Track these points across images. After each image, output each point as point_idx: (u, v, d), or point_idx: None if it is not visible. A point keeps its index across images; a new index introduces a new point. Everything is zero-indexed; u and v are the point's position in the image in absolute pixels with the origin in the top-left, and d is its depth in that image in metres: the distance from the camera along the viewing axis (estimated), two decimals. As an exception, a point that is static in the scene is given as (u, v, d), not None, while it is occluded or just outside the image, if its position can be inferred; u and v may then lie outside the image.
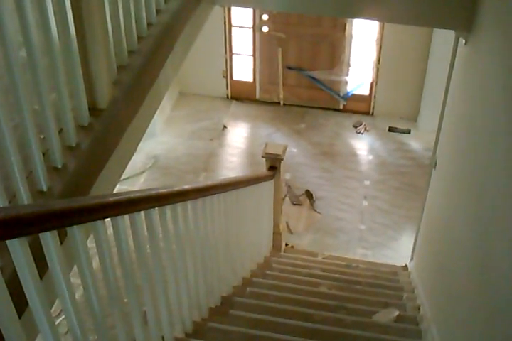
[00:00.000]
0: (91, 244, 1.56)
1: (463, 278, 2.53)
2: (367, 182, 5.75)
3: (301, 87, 6.73)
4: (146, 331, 2.03)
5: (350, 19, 6.06)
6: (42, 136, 1.58)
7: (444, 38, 4.80)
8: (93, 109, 1.82)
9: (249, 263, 3.82)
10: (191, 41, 2.70)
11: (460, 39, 3.01)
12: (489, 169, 2.23)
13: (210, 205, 2.65)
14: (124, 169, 2.07)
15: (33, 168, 1.53)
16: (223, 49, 6.60)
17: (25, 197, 1.47)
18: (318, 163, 6.00)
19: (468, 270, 2.45)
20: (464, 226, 2.62)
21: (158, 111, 2.43)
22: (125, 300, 1.83)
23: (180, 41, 2.44)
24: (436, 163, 3.56)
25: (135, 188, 5.26)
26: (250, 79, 6.85)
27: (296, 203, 5.47)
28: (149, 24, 2.25)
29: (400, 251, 4.88)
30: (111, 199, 1.63)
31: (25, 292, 1.33)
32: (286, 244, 4.86)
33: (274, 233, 4.49)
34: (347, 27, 6.20)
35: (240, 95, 6.95)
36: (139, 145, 2.21)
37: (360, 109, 6.70)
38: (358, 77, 6.52)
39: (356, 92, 6.61)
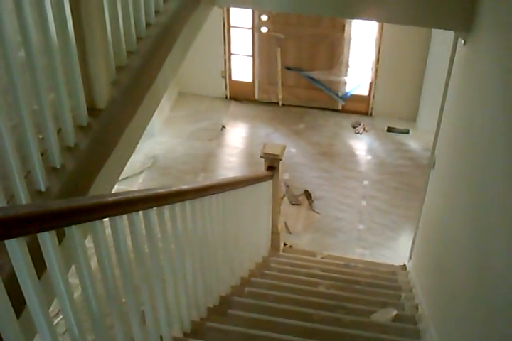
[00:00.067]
0: (89, 243, 1.57)
1: (461, 278, 2.53)
2: (366, 182, 5.76)
3: (300, 87, 6.73)
4: (144, 331, 2.03)
5: (349, 19, 6.06)
6: (40, 136, 1.59)
7: (443, 39, 4.80)
8: (92, 109, 1.82)
9: (248, 263, 3.82)
10: (190, 42, 2.70)
11: (459, 39, 3.01)
12: (487, 169, 2.24)
13: (208, 205, 2.65)
14: (123, 169, 2.07)
15: (31, 167, 1.53)
16: (222, 49, 6.60)
17: (23, 197, 1.47)
18: (317, 163, 6.01)
19: (466, 269, 2.45)
20: (462, 226, 2.62)
21: (157, 112, 2.43)
22: (123, 299, 1.83)
23: (179, 42, 2.44)
24: (434, 163, 3.56)
25: (134, 188, 5.26)
26: (249, 79, 6.85)
27: (295, 203, 5.47)
28: (148, 25, 2.25)
29: (398, 250, 4.88)
30: (109, 199, 1.63)
31: (24, 292, 1.33)
32: (285, 244, 4.86)
33: (272, 233, 4.49)
34: (346, 27, 6.21)
35: (239, 95, 6.95)
36: (138, 145, 2.21)
37: (358, 109, 6.70)
38: (357, 77, 6.52)
39: (355, 93, 6.62)
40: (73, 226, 1.46)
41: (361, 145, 6.28)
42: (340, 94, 6.63)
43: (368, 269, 4.42)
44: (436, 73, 4.91)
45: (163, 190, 2.07)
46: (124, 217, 1.74)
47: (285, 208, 5.22)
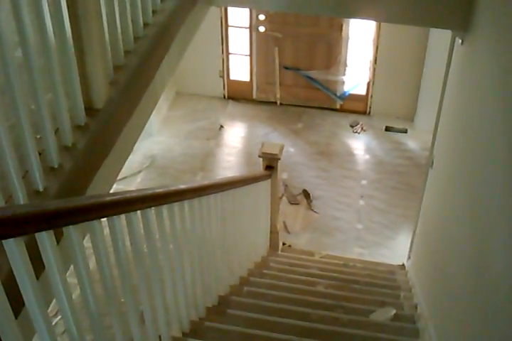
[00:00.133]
0: (87, 243, 1.56)
1: (460, 277, 2.53)
2: (364, 182, 5.76)
3: (297, 86, 6.73)
4: (143, 330, 2.03)
5: (346, 19, 6.06)
6: (38, 136, 1.58)
7: (440, 38, 4.80)
8: (89, 109, 1.82)
9: (247, 263, 3.82)
10: (188, 41, 2.70)
11: (456, 39, 3.02)
12: (486, 169, 2.24)
13: (207, 205, 2.65)
14: (121, 169, 2.07)
15: (29, 167, 1.53)
16: (220, 49, 6.59)
17: (21, 197, 1.47)
18: (315, 163, 6.01)
19: (465, 269, 2.45)
20: (460, 226, 2.62)
21: (154, 111, 2.43)
22: (122, 299, 1.83)
23: (176, 41, 2.44)
24: (433, 163, 3.56)
25: (132, 188, 5.26)
26: (247, 78, 6.85)
27: (294, 202, 5.47)
28: (145, 24, 2.25)
29: (396, 250, 4.88)
30: (107, 199, 1.63)
31: (22, 292, 1.33)
32: (284, 243, 4.86)
33: (271, 232, 4.49)
34: (344, 27, 6.21)
35: (237, 95, 6.95)
36: (136, 145, 2.21)
37: (357, 108, 6.70)
38: (355, 76, 6.52)
39: (353, 92, 6.62)
40: (71, 226, 1.46)
41: (359, 145, 6.28)
42: (338, 94, 6.63)
43: (367, 268, 4.42)
44: (434, 72, 4.92)
45: (161, 190, 2.07)
46: (123, 216, 1.74)
47: (284, 207, 5.22)
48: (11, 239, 1.26)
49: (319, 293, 3.63)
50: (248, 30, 6.49)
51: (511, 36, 2.04)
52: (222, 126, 6.52)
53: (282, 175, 5.41)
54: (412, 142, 6.27)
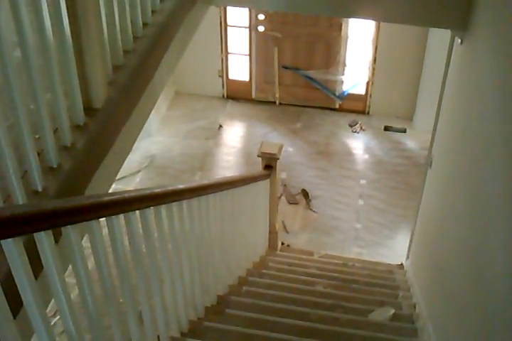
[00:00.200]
0: (86, 243, 1.56)
1: (458, 277, 2.53)
2: (363, 181, 5.76)
3: (297, 86, 6.73)
4: (141, 330, 2.03)
5: (346, 19, 6.06)
6: (37, 136, 1.58)
7: (439, 38, 4.81)
8: (88, 109, 1.82)
9: (245, 262, 3.82)
10: (187, 41, 2.70)
11: (456, 38, 3.02)
12: (485, 168, 2.24)
13: (205, 205, 2.65)
14: (120, 169, 2.07)
15: (28, 167, 1.53)
16: (219, 48, 6.59)
17: (20, 197, 1.47)
18: (314, 162, 6.01)
19: (464, 268, 2.46)
20: (459, 226, 2.62)
21: (153, 111, 2.43)
22: (120, 299, 1.83)
23: (175, 41, 2.44)
24: (431, 162, 3.57)
25: (130, 188, 5.26)
26: (246, 78, 6.85)
27: (292, 202, 5.47)
28: (145, 24, 2.25)
29: (395, 249, 4.88)
30: (106, 198, 1.63)
31: (20, 292, 1.33)
32: (283, 243, 4.86)
33: (270, 232, 4.49)
34: (343, 26, 6.21)
35: (236, 94, 6.95)
36: (135, 144, 2.21)
37: (356, 108, 6.70)
38: (354, 76, 6.52)
39: (352, 92, 6.62)
40: (70, 226, 1.46)
41: (358, 144, 6.28)
42: (337, 93, 6.63)
43: (366, 268, 4.42)
44: (433, 72, 4.92)
45: (160, 190, 2.07)
46: (121, 216, 1.74)
47: (282, 207, 5.22)
48: (10, 239, 1.26)
49: (318, 292, 3.63)
50: (247, 29, 6.48)
51: (510, 36, 2.04)
52: (221, 126, 6.52)
53: (281, 174, 5.40)
54: (411, 142, 6.27)
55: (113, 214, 1.68)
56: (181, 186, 2.30)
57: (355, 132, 6.45)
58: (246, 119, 6.69)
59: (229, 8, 6.35)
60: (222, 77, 6.82)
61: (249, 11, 6.29)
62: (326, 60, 6.46)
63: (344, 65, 6.44)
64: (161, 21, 2.32)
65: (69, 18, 1.62)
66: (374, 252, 4.94)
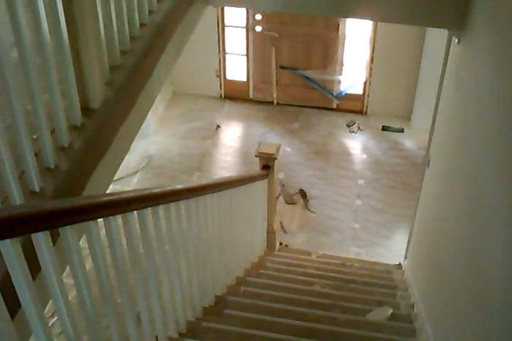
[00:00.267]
0: (84, 244, 1.56)
1: (457, 277, 2.53)
2: (360, 181, 5.76)
3: (294, 86, 6.73)
4: (139, 331, 2.02)
5: (343, 19, 6.07)
6: (34, 137, 1.58)
7: (437, 37, 4.81)
8: (86, 109, 1.82)
9: (243, 263, 3.82)
10: (184, 41, 2.70)
11: (453, 38, 3.02)
12: (483, 168, 2.24)
13: (203, 205, 2.65)
14: (117, 169, 2.06)
15: (25, 168, 1.52)
16: (217, 48, 6.59)
17: (17, 198, 1.46)
18: (312, 162, 6.01)
19: (462, 268, 2.46)
20: (457, 225, 2.62)
21: (151, 111, 2.43)
22: (118, 300, 1.83)
23: (173, 41, 2.44)
24: (429, 162, 3.57)
25: (128, 188, 5.25)
26: (244, 78, 6.85)
27: (290, 202, 5.47)
28: (142, 24, 2.24)
29: (393, 249, 4.89)
30: (103, 199, 1.63)
31: (18, 293, 1.33)
32: (281, 243, 4.86)
33: (268, 232, 4.49)
34: (340, 26, 6.21)
35: (234, 95, 6.95)
36: (132, 145, 2.21)
37: (353, 108, 6.71)
38: (352, 76, 6.53)
39: (349, 91, 6.63)
40: (67, 227, 1.46)
41: (356, 144, 6.29)
42: (334, 93, 6.63)
43: (364, 268, 4.42)
44: (431, 72, 4.92)
45: (157, 190, 2.06)
46: (119, 217, 1.74)
47: (280, 207, 5.22)
48: (7, 240, 1.25)
49: (316, 292, 3.63)
50: (245, 29, 6.48)
51: (507, 35, 2.04)
52: (218, 126, 6.51)
53: (279, 174, 5.40)
54: (409, 141, 6.28)
55: (111, 215, 1.67)
56: (179, 186, 2.30)
57: (352, 132, 6.45)
58: (244, 119, 6.69)
59: (226, 8, 6.35)
60: (219, 77, 6.82)
61: (247, 11, 6.29)
62: (323, 60, 6.46)
63: (342, 64, 6.44)
64: (159, 21, 2.32)
65: (66, 18, 1.62)
66: (372, 252, 4.94)
